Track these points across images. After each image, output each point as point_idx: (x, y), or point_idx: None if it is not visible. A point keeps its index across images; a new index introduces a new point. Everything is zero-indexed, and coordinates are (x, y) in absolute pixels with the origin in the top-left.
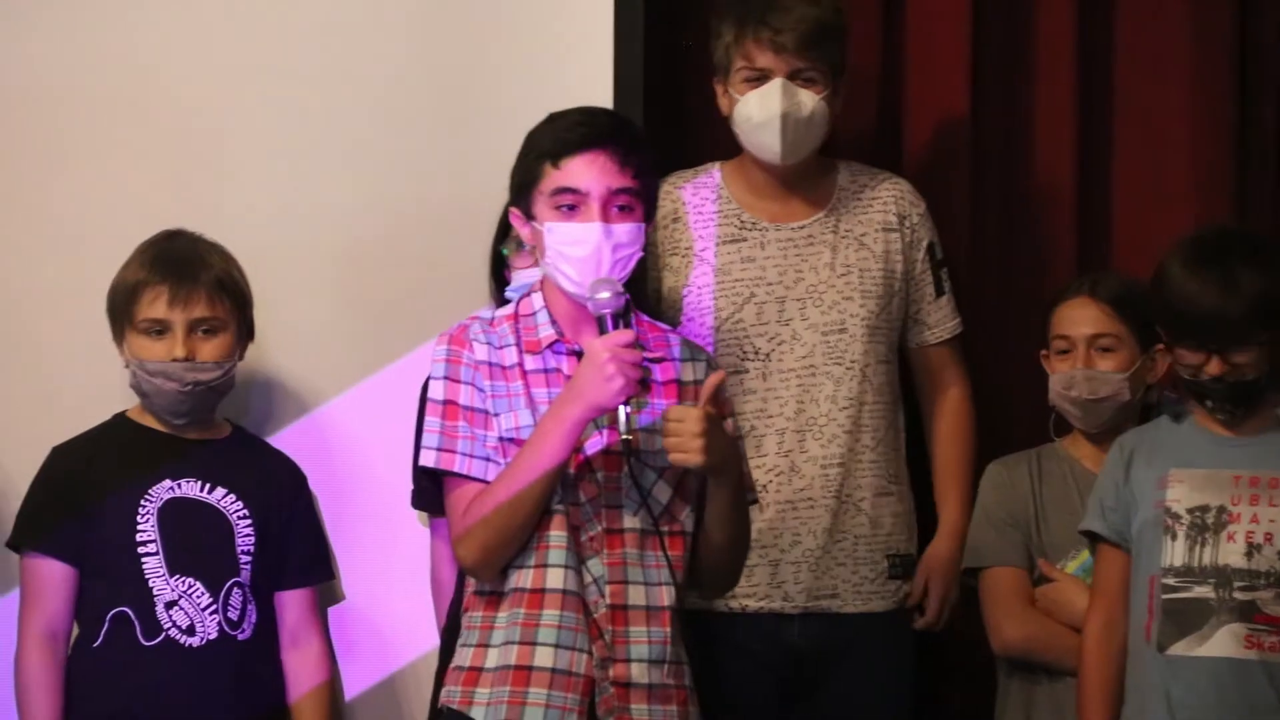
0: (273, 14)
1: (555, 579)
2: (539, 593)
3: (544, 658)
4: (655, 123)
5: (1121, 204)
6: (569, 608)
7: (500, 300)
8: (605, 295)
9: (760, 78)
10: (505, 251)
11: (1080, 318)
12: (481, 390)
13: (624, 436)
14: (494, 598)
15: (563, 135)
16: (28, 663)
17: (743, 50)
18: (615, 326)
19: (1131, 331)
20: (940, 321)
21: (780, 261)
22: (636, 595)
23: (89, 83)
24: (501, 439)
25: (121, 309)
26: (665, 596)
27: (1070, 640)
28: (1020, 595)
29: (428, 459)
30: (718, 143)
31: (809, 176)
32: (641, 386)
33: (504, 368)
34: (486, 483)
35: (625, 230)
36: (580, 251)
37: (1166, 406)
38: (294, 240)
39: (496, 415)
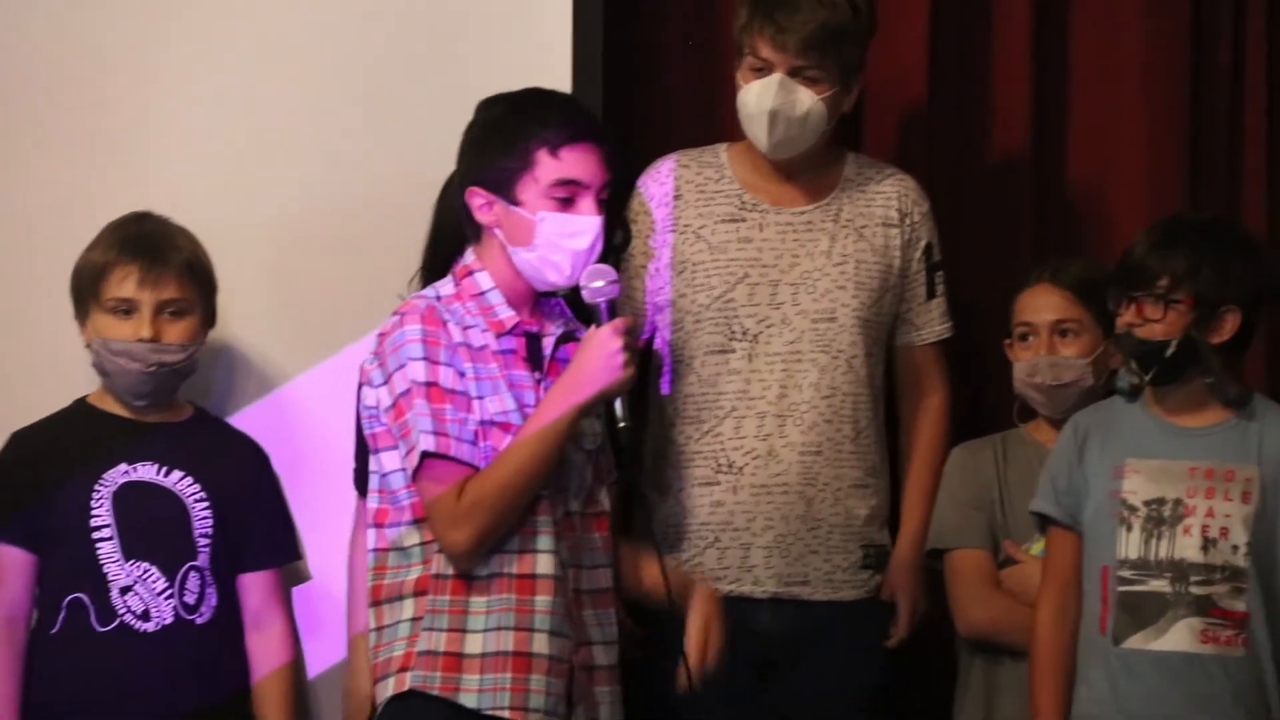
0: (236, 6)
1: (545, 564)
2: (530, 578)
3: (541, 644)
4: (612, 116)
5: (1077, 194)
6: (558, 593)
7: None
8: (600, 284)
9: (764, 69)
10: None
11: (1042, 304)
12: (461, 373)
13: (621, 424)
14: (463, 581)
15: (561, 125)
16: None
17: (750, 39)
18: (611, 315)
19: (1093, 317)
20: (928, 324)
21: (777, 245)
22: (589, 578)
23: (39, 69)
24: (483, 423)
25: (88, 288)
26: (605, 579)
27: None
28: (985, 577)
29: (427, 443)
30: (673, 136)
31: (814, 164)
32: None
33: (476, 349)
34: (474, 467)
35: (604, 224)
36: (579, 244)
37: (1120, 380)
38: (255, 222)
39: (480, 399)
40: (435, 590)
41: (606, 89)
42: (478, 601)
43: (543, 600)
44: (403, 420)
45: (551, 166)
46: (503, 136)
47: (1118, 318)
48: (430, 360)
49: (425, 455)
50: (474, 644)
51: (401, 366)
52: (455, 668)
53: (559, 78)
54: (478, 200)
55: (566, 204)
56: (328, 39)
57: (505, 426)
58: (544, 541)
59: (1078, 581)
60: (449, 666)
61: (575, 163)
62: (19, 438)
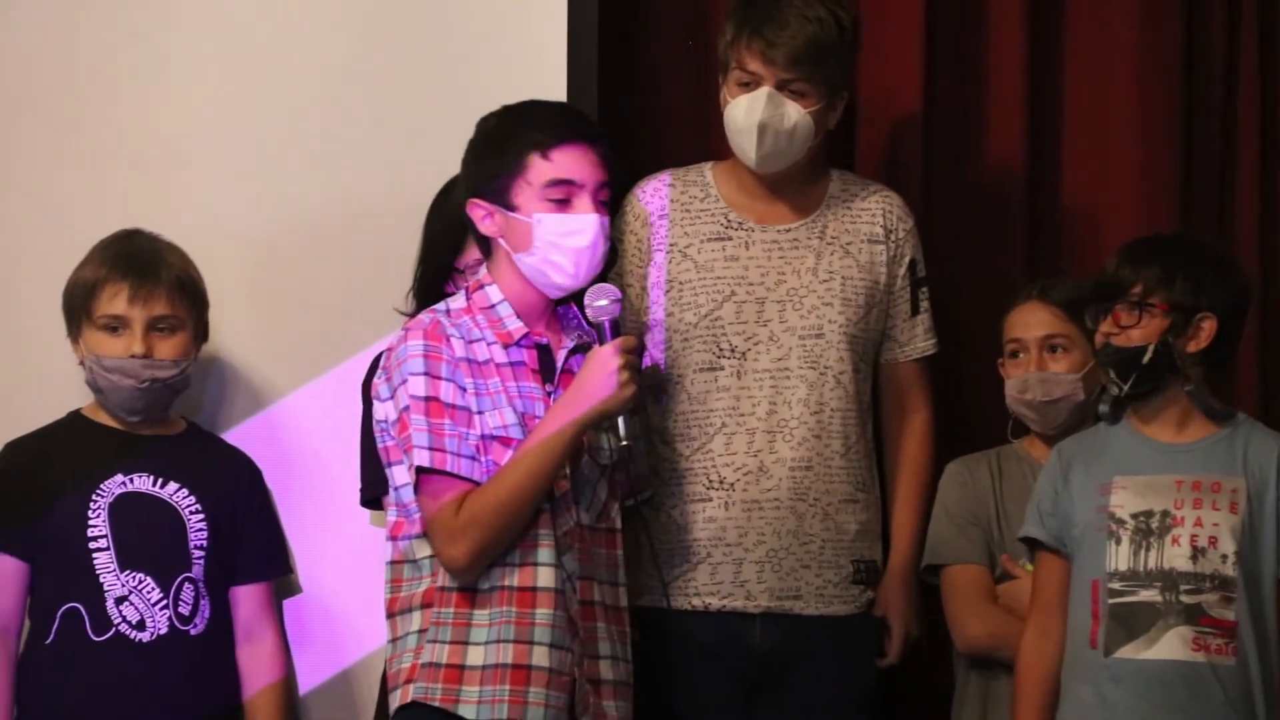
0: (227, 15)
1: (546, 577)
2: (530, 591)
3: (540, 657)
4: (606, 128)
5: (1071, 209)
6: (559, 606)
7: (420, 306)
8: (604, 302)
9: (751, 82)
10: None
11: (1032, 321)
12: (463, 388)
13: (623, 443)
14: (466, 594)
15: (550, 127)
16: None
17: (737, 53)
18: (615, 334)
19: (1082, 333)
20: (911, 340)
21: (763, 262)
22: (602, 592)
23: (39, 84)
24: (484, 437)
25: (79, 305)
26: (620, 595)
27: None
28: (983, 592)
29: (421, 458)
30: (668, 148)
31: (799, 181)
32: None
33: (479, 363)
34: (474, 482)
35: (606, 223)
36: (579, 242)
37: (1101, 403)
38: (247, 238)
39: (480, 413)
40: (440, 603)
41: (601, 101)
42: (480, 614)
43: (543, 613)
44: (406, 435)
45: (543, 168)
46: (496, 145)
47: (1095, 334)
48: (431, 375)
49: (421, 471)
50: (475, 656)
51: (404, 381)
52: (456, 679)
53: (554, 90)
54: (479, 212)
55: (563, 205)
56: (320, 54)
57: (506, 441)
58: (545, 555)
59: (1063, 605)
60: (450, 678)
61: (567, 163)
62: (14, 447)
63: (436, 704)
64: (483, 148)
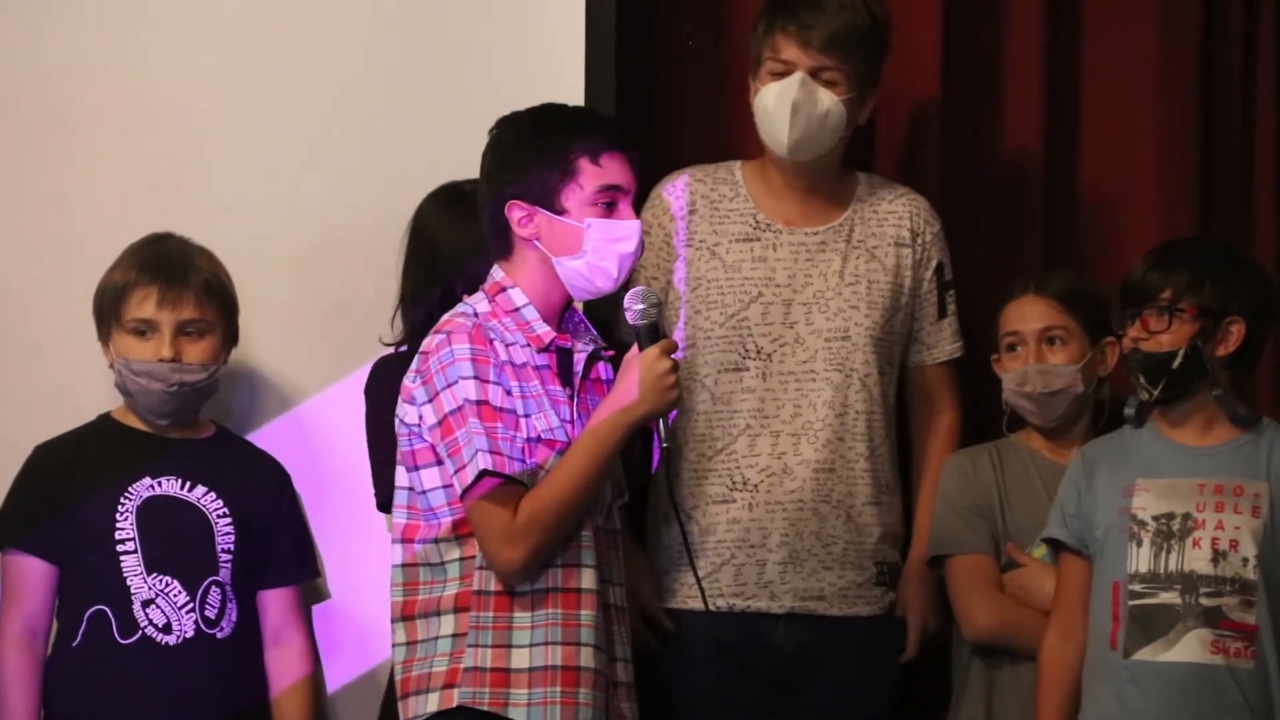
0: (254, 20)
1: (589, 579)
2: (574, 592)
3: (587, 658)
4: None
5: (1089, 207)
6: (599, 607)
7: (421, 320)
8: (643, 305)
9: (784, 71)
10: None
11: (1029, 313)
12: (509, 390)
13: (665, 445)
14: (505, 597)
15: (598, 132)
16: (5, 661)
17: (771, 42)
18: (656, 336)
19: (1080, 324)
20: (938, 343)
21: (790, 264)
22: (615, 594)
23: (71, 88)
24: (529, 440)
25: (109, 309)
26: (625, 596)
27: (1042, 624)
28: (990, 581)
29: (485, 461)
30: (685, 150)
31: (828, 183)
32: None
33: (519, 366)
34: (525, 485)
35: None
36: (626, 247)
37: (1127, 405)
38: (274, 241)
39: (527, 416)
40: (478, 607)
41: (619, 104)
42: (522, 617)
43: (587, 614)
44: (452, 438)
45: (594, 173)
46: (540, 148)
47: (1123, 339)
48: (480, 379)
49: (483, 474)
50: (521, 659)
51: (451, 385)
52: (503, 683)
53: (572, 94)
54: (518, 213)
55: (609, 209)
56: (347, 62)
57: (551, 443)
58: (587, 556)
59: (1085, 606)
60: (497, 682)
61: (615, 169)
62: (43, 450)
63: (485, 708)
64: (524, 151)
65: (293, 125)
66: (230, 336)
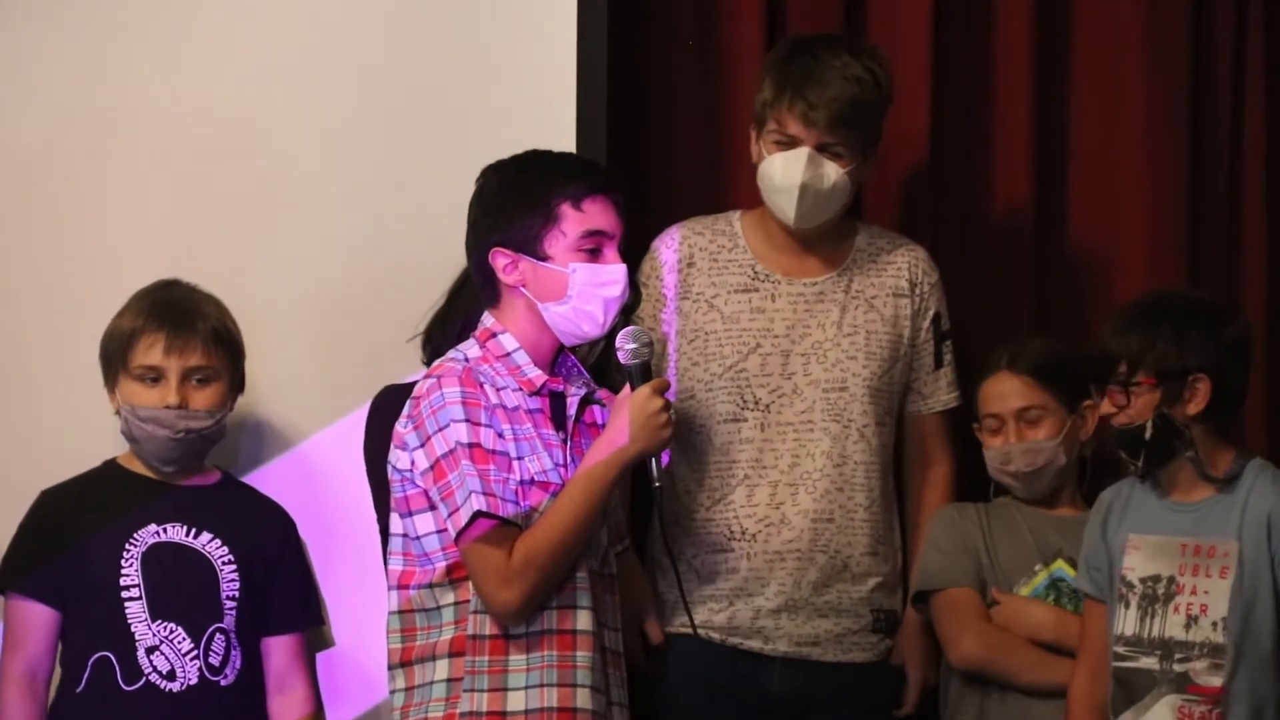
0: (260, 66)
1: (585, 621)
2: (570, 634)
3: (584, 699)
4: (618, 166)
5: (1078, 256)
6: (595, 649)
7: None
8: (635, 345)
9: (789, 143)
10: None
11: (1005, 392)
12: (500, 433)
13: (656, 484)
14: (500, 640)
15: (582, 178)
16: (7, 703)
17: (776, 114)
18: (647, 376)
19: (1055, 397)
20: (934, 393)
21: (789, 315)
22: (609, 638)
23: (77, 134)
24: (523, 483)
25: (116, 355)
26: (620, 640)
27: (1029, 652)
28: (976, 612)
29: (478, 503)
30: (678, 197)
31: (827, 235)
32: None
33: (510, 410)
34: (519, 527)
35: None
36: (612, 292)
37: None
38: (274, 287)
39: (520, 459)
40: (474, 651)
41: (610, 149)
42: (517, 659)
43: (583, 656)
44: (445, 482)
45: (577, 219)
46: (522, 195)
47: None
48: (472, 421)
49: (477, 515)
50: (516, 701)
51: (442, 429)
52: None
53: (564, 140)
54: (502, 260)
55: (594, 255)
56: (338, 110)
57: (545, 485)
58: (583, 598)
59: (1110, 654)
60: None
61: (598, 213)
62: (48, 495)
63: None
64: (506, 198)
65: (295, 181)
66: (237, 384)
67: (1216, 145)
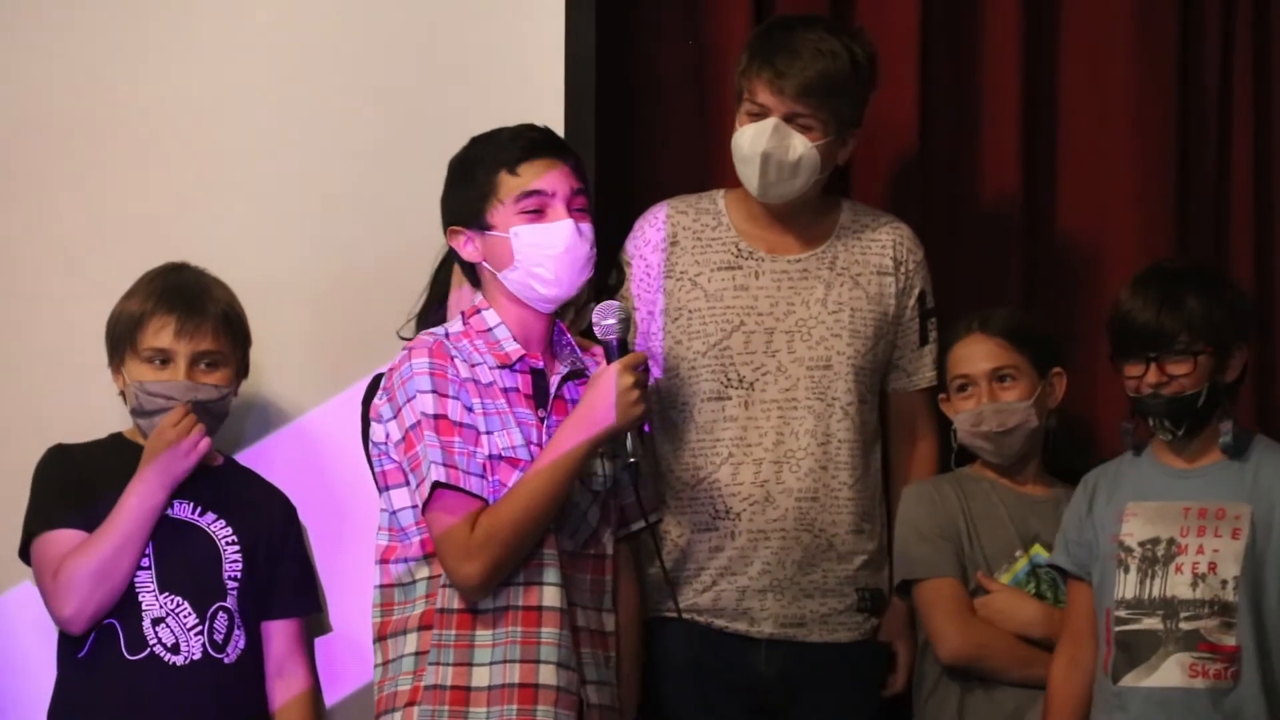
0: (264, 53)
1: (551, 597)
2: (535, 610)
3: (548, 676)
4: (605, 159)
5: (1067, 240)
6: (564, 625)
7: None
8: (610, 321)
9: (760, 114)
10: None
11: (977, 354)
12: (469, 406)
13: (631, 459)
14: (467, 615)
15: (513, 145)
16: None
17: (749, 83)
18: (623, 351)
19: (1027, 360)
20: (919, 370)
21: (773, 293)
22: (585, 617)
23: (85, 116)
24: (492, 457)
25: (124, 337)
26: (605, 620)
27: (1018, 648)
28: (962, 604)
29: (438, 474)
30: (665, 179)
31: (809, 212)
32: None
33: (483, 385)
34: (485, 500)
35: (589, 229)
36: (556, 250)
37: (1125, 436)
38: (281, 271)
39: (489, 434)
40: (441, 625)
41: (599, 131)
42: (484, 635)
43: (549, 632)
44: (413, 453)
45: (512, 183)
46: (465, 172)
47: (1129, 380)
48: (438, 393)
49: (436, 486)
50: (481, 677)
51: (410, 399)
52: (463, 701)
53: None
54: (460, 239)
55: (537, 215)
56: (337, 98)
57: (514, 461)
58: (550, 574)
59: (1092, 631)
60: (456, 700)
61: (534, 175)
62: (62, 449)
63: None
64: (452, 180)
65: (293, 168)
66: (242, 369)
67: (1205, 125)
